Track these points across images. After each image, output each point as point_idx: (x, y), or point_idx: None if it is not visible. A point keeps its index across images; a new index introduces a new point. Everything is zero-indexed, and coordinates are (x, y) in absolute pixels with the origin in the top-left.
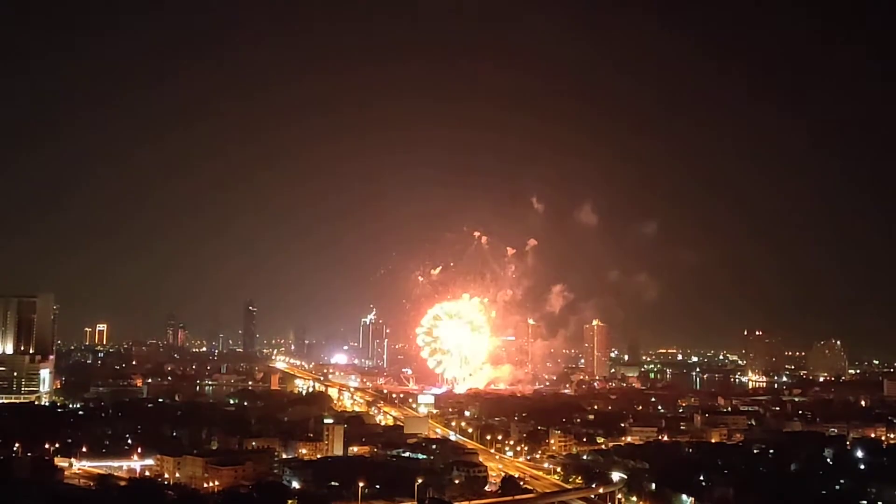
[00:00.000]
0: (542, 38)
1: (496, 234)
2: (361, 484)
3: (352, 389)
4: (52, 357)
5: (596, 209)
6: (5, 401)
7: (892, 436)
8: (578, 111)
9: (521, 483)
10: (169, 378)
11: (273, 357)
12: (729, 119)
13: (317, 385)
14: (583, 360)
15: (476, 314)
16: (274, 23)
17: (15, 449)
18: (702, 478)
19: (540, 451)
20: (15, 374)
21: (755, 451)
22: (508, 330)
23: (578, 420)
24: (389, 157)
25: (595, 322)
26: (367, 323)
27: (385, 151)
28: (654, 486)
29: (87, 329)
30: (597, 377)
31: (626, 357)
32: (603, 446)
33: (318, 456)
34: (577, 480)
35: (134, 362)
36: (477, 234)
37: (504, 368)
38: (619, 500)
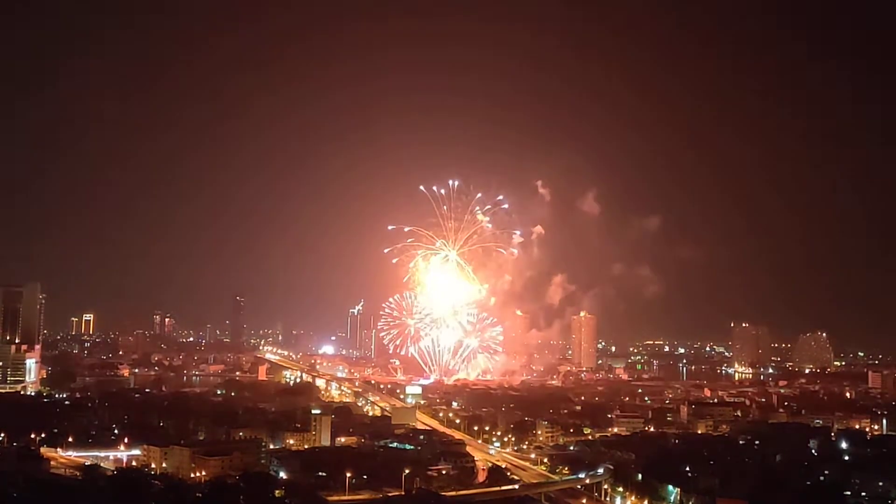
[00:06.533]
0: (552, 26)
1: (500, 222)
2: (349, 474)
3: (339, 380)
4: (38, 347)
5: (599, 198)
6: None
7: (876, 427)
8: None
9: (508, 474)
10: (156, 368)
11: (261, 347)
12: (730, 115)
13: (304, 376)
14: (570, 352)
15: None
16: None
17: (0, 439)
18: (688, 469)
19: (527, 442)
20: (0, 363)
21: (741, 443)
22: (506, 322)
23: (565, 411)
24: (382, 142)
25: (583, 313)
26: (356, 313)
27: (379, 138)
28: (640, 476)
29: (74, 319)
30: (584, 368)
31: (614, 348)
32: (590, 437)
33: (306, 446)
34: (564, 471)
35: (121, 352)
36: (481, 219)
37: (498, 359)
38: (606, 490)
